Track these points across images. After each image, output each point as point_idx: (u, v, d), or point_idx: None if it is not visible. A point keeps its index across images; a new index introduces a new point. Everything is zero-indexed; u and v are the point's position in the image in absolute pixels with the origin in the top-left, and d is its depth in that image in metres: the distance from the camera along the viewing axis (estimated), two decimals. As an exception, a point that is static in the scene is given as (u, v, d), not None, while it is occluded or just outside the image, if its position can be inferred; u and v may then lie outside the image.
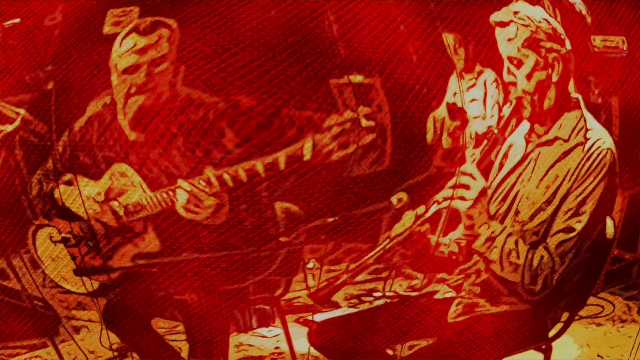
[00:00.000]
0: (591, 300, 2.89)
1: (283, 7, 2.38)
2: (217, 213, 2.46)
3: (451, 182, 2.55)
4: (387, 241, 2.57)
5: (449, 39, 2.56)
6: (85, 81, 2.49)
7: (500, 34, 2.58)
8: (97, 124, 2.50)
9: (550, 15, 2.65)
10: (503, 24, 2.60)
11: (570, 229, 2.68)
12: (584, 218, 2.68)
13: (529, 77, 2.60)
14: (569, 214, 2.67)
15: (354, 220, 2.50)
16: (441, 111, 2.52)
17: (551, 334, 2.89)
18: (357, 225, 2.51)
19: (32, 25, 2.58)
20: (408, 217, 2.55)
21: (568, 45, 2.64)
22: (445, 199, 2.58)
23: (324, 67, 2.38)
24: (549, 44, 2.61)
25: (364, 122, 2.38)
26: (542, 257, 2.69)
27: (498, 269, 2.69)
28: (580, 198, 2.67)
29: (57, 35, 2.54)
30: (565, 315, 2.87)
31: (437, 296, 2.73)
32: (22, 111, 2.59)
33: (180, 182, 2.43)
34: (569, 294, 2.79)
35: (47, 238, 2.61)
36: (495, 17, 2.59)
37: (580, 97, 2.67)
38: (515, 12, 2.61)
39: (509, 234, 2.66)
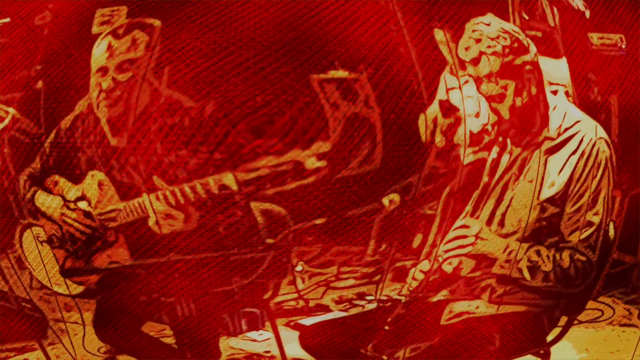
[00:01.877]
0: (590, 304, 2.85)
1: (280, 7, 2.41)
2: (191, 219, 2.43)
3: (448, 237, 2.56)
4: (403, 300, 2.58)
5: (441, 35, 2.52)
6: (73, 81, 2.50)
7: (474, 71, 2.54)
8: (81, 125, 2.50)
9: (511, 23, 2.59)
10: (475, 61, 2.55)
11: (589, 223, 2.67)
12: (600, 209, 2.67)
13: (512, 108, 2.56)
14: (583, 210, 2.66)
15: (343, 222, 2.48)
16: (434, 108, 2.48)
17: (549, 338, 2.85)
18: (346, 228, 2.49)
19: (22, 24, 2.60)
20: (417, 274, 2.56)
21: (533, 48, 2.59)
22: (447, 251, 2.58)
23: (319, 64, 2.40)
24: (519, 60, 2.56)
25: (310, 164, 2.35)
26: (570, 255, 2.67)
27: (525, 281, 2.68)
28: (589, 192, 2.65)
29: (47, 35, 2.56)
30: (563, 320, 2.83)
31: (432, 299, 2.70)
32: (11, 110, 2.58)
33: (145, 196, 2.40)
34: (569, 295, 2.75)
35: (34, 238, 2.60)
36: (464, 56, 2.54)
37: (560, 89, 2.63)
38: (478, 40, 2.54)
39: (529, 247, 2.65)
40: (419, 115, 2.47)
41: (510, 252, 2.64)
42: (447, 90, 2.50)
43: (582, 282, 2.73)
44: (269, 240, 2.47)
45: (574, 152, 2.63)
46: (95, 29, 2.51)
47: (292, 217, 2.45)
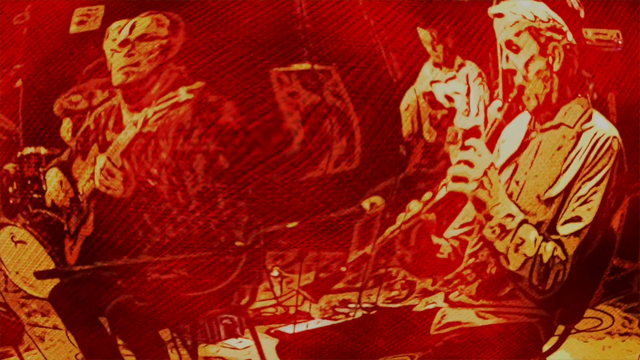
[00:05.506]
0: (588, 312, 2.77)
1: (276, 6, 2.47)
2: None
3: (458, 157, 2.49)
4: (393, 228, 2.47)
5: (430, 33, 2.50)
6: (54, 80, 2.54)
7: (497, 24, 2.56)
8: (61, 122, 2.53)
9: (551, 9, 2.60)
10: (500, 15, 2.56)
11: (578, 218, 2.58)
12: (594, 207, 2.58)
13: (527, 64, 2.53)
14: (580, 200, 2.57)
15: (319, 226, 2.43)
16: (417, 101, 2.45)
17: (546, 348, 2.77)
18: (323, 232, 2.44)
19: (0, 24, 2.64)
20: (414, 205, 2.46)
21: (570, 38, 2.58)
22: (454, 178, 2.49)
23: (309, 60, 2.44)
24: (548, 33, 2.55)
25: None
26: (554, 248, 2.57)
27: (505, 262, 2.57)
28: (590, 184, 2.57)
29: (26, 34, 2.60)
30: (560, 329, 2.75)
31: (417, 309, 2.63)
32: (-11, 108, 2.58)
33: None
34: (565, 301, 2.67)
35: (9, 238, 2.57)
36: (492, 9, 2.57)
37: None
38: (514, 5, 2.58)
39: (523, 221, 2.54)
40: (402, 108, 2.44)
41: (506, 216, 2.53)
42: (431, 82, 2.47)
43: (551, 289, 2.61)
44: (239, 243, 2.42)
45: (589, 143, 2.58)
46: (73, 28, 2.55)
47: (262, 219, 2.41)
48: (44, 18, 2.59)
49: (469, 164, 2.51)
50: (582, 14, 2.67)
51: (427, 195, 2.47)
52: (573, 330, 2.77)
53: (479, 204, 2.53)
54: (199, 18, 2.46)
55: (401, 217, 2.48)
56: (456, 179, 2.50)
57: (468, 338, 2.71)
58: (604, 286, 2.74)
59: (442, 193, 2.49)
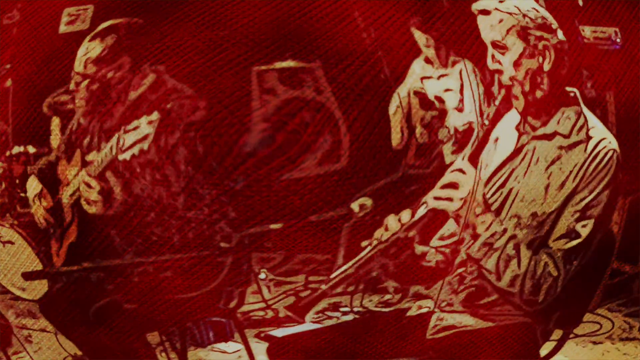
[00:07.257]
0: (588, 316, 2.73)
1: (274, 5, 2.47)
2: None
3: (442, 181, 2.44)
4: (369, 248, 2.43)
5: (419, 35, 2.47)
6: (43, 79, 2.54)
7: (482, 22, 2.50)
8: (50, 121, 2.51)
9: (540, 5, 2.52)
10: (486, 12, 2.50)
11: (576, 234, 2.52)
12: (590, 223, 2.52)
13: (516, 64, 2.47)
14: (576, 216, 2.51)
15: (305, 228, 2.39)
16: (406, 100, 2.41)
17: (544, 352, 2.72)
18: (310, 235, 2.40)
19: None
20: (391, 222, 2.41)
21: (560, 36, 2.51)
22: (436, 198, 2.45)
23: (305, 58, 2.44)
24: (538, 32, 2.48)
25: None
26: (546, 264, 2.52)
27: (494, 279, 2.53)
28: (587, 200, 2.51)
29: (15, 34, 2.60)
30: (559, 333, 2.69)
31: (410, 313, 2.59)
32: (-20, 108, 2.57)
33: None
34: (563, 306, 2.61)
35: None
36: (477, 5, 2.50)
37: (577, 92, 2.54)
38: (501, 1, 2.50)
39: (511, 237, 2.49)
40: (391, 108, 2.41)
41: (493, 234, 2.49)
42: (422, 79, 2.44)
43: (543, 300, 2.56)
44: (224, 245, 2.39)
45: (588, 157, 2.51)
46: (62, 28, 2.54)
47: (246, 220, 2.37)
48: (34, 17, 2.58)
49: (454, 185, 2.46)
50: (580, 2, 2.64)
51: (406, 216, 2.44)
52: (572, 335, 2.73)
53: (463, 222, 2.50)
54: (197, 18, 2.46)
55: (378, 235, 2.44)
56: (439, 198, 2.46)
57: (468, 339, 2.67)
58: (604, 290, 2.69)
59: (421, 211, 2.45)
